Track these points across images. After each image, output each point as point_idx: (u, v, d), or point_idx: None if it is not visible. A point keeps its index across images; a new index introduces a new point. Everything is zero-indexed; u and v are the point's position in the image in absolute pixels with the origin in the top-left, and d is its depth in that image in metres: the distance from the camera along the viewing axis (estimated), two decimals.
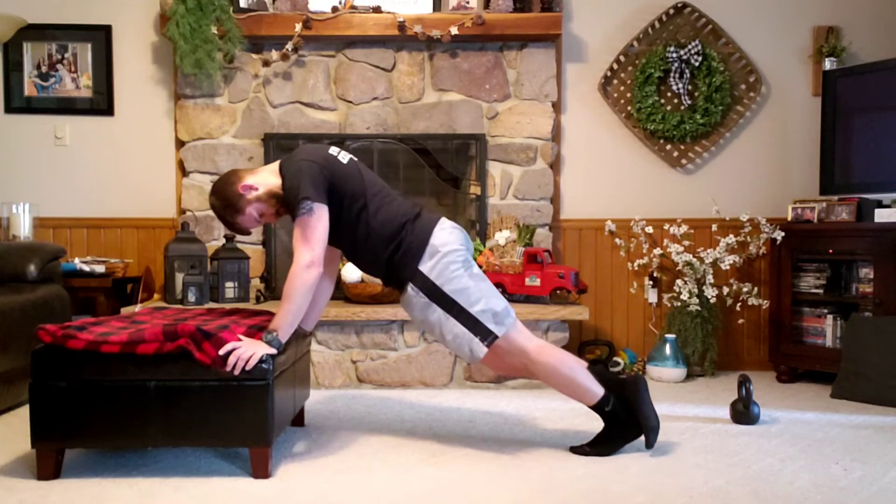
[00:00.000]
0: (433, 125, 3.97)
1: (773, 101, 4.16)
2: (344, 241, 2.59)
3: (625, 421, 2.54)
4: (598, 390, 2.52)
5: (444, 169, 4.02)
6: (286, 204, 2.49)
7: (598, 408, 2.54)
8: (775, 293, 3.88)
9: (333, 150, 2.59)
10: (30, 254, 3.41)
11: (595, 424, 2.90)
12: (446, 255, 2.49)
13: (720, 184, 4.15)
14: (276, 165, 2.57)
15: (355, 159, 2.63)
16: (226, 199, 2.52)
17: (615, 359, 3.91)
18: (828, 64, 3.94)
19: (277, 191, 2.51)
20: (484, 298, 2.49)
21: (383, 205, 2.55)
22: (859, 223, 3.61)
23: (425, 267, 2.49)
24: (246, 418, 2.27)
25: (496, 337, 2.48)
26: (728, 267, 3.89)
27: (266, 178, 2.54)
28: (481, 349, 2.47)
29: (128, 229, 4.11)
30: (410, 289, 2.51)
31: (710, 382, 3.80)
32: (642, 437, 2.56)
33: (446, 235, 2.54)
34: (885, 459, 2.53)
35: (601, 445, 2.55)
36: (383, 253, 2.54)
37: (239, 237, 3.76)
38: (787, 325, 3.81)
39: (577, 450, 2.57)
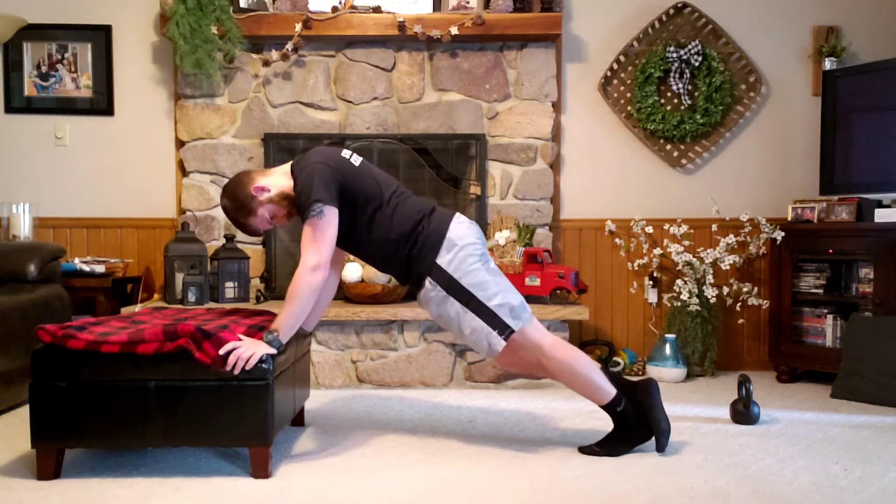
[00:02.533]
0: (433, 125, 3.97)
1: (773, 101, 4.16)
2: (359, 244, 2.59)
3: (635, 423, 2.54)
4: (611, 390, 2.53)
5: (444, 169, 4.02)
6: (297, 206, 2.49)
7: (609, 408, 2.55)
8: (775, 293, 3.88)
9: (346, 153, 2.59)
10: (30, 254, 3.41)
11: (595, 424, 2.91)
12: (463, 248, 2.50)
13: (720, 184, 4.15)
14: (287, 167, 2.57)
15: (366, 162, 2.63)
16: (238, 200, 2.52)
17: (615, 359, 3.92)
18: (828, 64, 3.94)
19: (289, 192, 2.51)
20: (501, 292, 2.49)
21: (399, 203, 2.56)
22: (859, 223, 3.61)
23: (443, 260, 2.49)
24: (246, 418, 2.27)
25: (513, 331, 2.48)
26: (728, 267, 3.89)
27: (278, 180, 2.54)
28: (499, 342, 2.47)
29: (128, 229, 4.11)
30: (428, 283, 2.50)
31: (710, 382, 3.80)
32: (653, 440, 2.56)
33: (463, 229, 2.54)
34: (885, 459, 2.53)
35: (611, 445, 2.55)
36: (401, 250, 2.54)
37: (239, 237, 3.76)
38: (787, 325, 3.81)
39: (586, 450, 2.57)
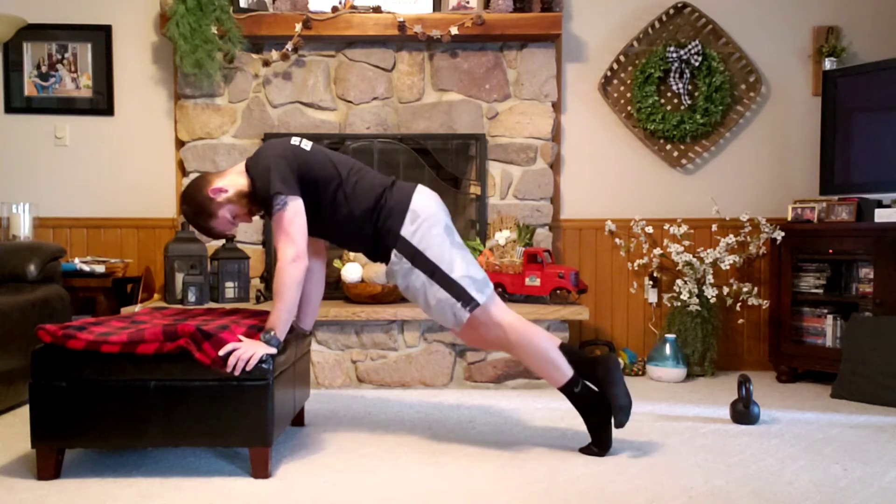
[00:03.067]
0: (433, 125, 3.97)
1: (773, 101, 4.16)
2: (326, 226, 2.60)
3: (596, 403, 2.53)
4: (568, 371, 2.53)
5: (444, 169, 4.02)
6: (260, 202, 2.50)
7: (566, 389, 2.55)
8: (775, 293, 3.88)
9: (295, 140, 2.59)
10: (30, 254, 3.41)
11: None
12: (427, 219, 2.51)
13: (720, 184, 4.15)
14: (242, 166, 2.58)
15: (317, 145, 2.63)
16: (197, 204, 2.52)
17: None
18: (828, 64, 3.94)
19: (247, 190, 2.52)
20: (465, 265, 2.51)
21: (359, 179, 2.57)
22: (859, 223, 3.61)
23: (407, 231, 2.50)
24: (246, 418, 2.27)
25: (478, 304, 2.49)
26: (728, 267, 3.89)
27: (234, 180, 2.54)
28: (464, 314, 2.49)
29: (128, 229, 4.11)
30: (394, 255, 2.52)
31: (710, 382, 3.80)
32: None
33: (426, 199, 2.56)
34: (885, 459, 2.53)
35: (596, 438, 2.55)
36: (367, 226, 2.55)
37: (239, 237, 3.76)
38: (787, 325, 3.81)
39: (586, 450, 2.56)
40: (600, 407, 2.53)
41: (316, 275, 2.72)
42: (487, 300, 2.52)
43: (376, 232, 2.55)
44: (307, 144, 2.59)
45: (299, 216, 2.44)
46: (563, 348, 2.57)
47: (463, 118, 3.98)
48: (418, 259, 2.49)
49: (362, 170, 2.61)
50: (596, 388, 2.54)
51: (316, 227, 2.58)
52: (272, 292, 3.64)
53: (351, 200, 2.54)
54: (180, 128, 3.97)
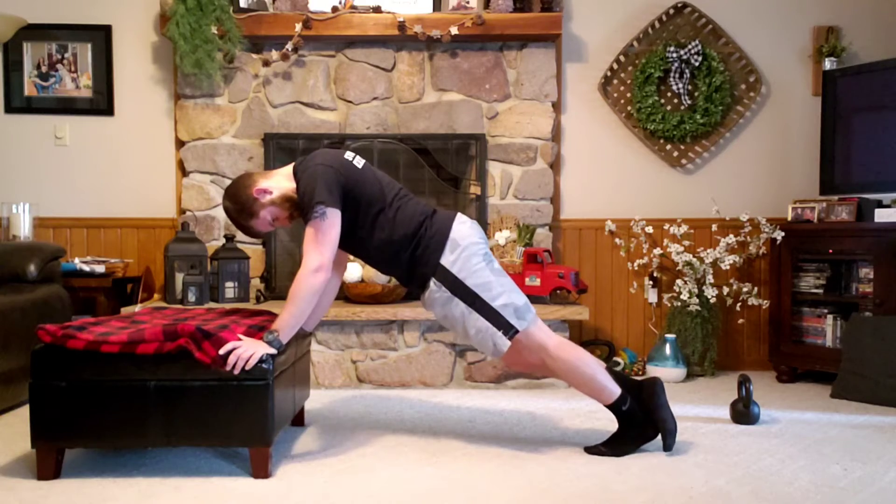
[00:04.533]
0: (433, 125, 3.97)
1: (773, 101, 4.16)
2: (361, 246, 2.59)
3: (641, 422, 2.54)
4: (616, 389, 2.53)
5: (444, 169, 4.02)
6: (300, 208, 2.48)
7: (614, 407, 2.55)
8: (775, 293, 3.88)
9: (349, 155, 2.58)
10: (30, 254, 3.40)
11: (595, 424, 2.91)
12: (467, 248, 2.50)
13: (720, 184, 4.15)
14: (290, 169, 2.57)
15: (369, 164, 2.63)
16: (240, 202, 2.52)
17: (615, 359, 3.92)
18: (828, 64, 3.94)
19: (292, 195, 2.50)
20: (506, 293, 2.49)
21: (401, 206, 2.56)
22: (859, 223, 3.61)
23: (447, 261, 2.49)
24: (246, 418, 2.27)
25: (517, 331, 2.48)
26: (728, 267, 3.89)
27: (280, 182, 2.53)
28: (504, 343, 2.48)
29: (128, 229, 4.11)
30: (433, 283, 2.50)
31: (710, 382, 3.80)
32: (658, 439, 2.56)
33: (466, 229, 2.54)
34: (885, 459, 2.53)
35: (617, 445, 2.55)
36: (404, 252, 2.54)
37: (239, 237, 3.76)
38: (787, 325, 3.81)
39: (593, 450, 2.57)
40: (644, 426, 2.54)
41: (331, 284, 2.71)
42: (529, 324, 2.51)
43: (413, 260, 2.54)
44: (360, 162, 2.59)
45: (335, 229, 2.43)
46: (608, 370, 2.57)
47: (463, 118, 3.98)
48: (458, 288, 2.48)
49: (406, 196, 2.60)
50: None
51: (349, 245, 2.58)
52: (273, 292, 3.62)
53: (391, 225, 2.53)
54: (180, 128, 3.97)
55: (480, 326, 2.48)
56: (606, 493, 2.19)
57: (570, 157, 4.15)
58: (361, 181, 2.52)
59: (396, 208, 2.54)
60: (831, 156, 3.80)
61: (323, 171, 2.45)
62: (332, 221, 2.42)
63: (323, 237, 2.41)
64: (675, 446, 2.60)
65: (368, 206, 2.52)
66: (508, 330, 2.47)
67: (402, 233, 2.52)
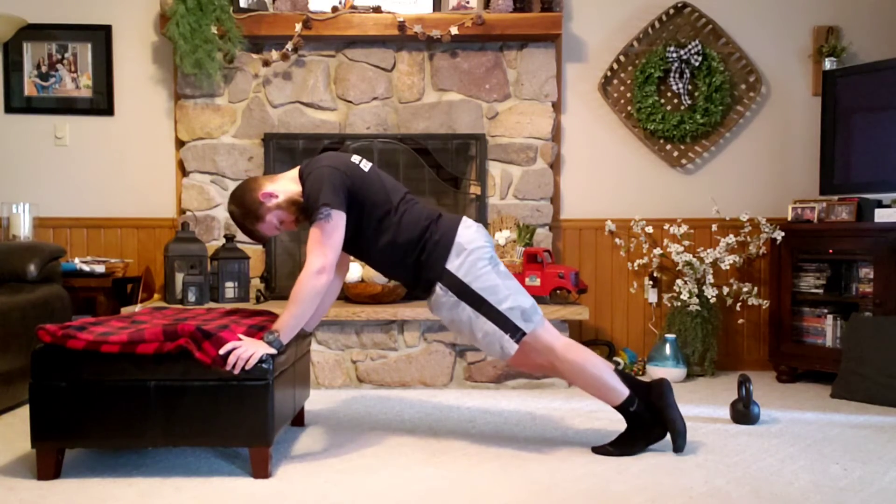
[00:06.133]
0: (433, 125, 3.97)
1: (773, 101, 4.16)
2: (365, 249, 2.59)
3: (649, 423, 2.54)
4: (624, 390, 2.53)
5: (444, 169, 4.02)
6: (305, 209, 2.48)
7: (622, 408, 2.55)
8: (775, 293, 3.88)
9: (356, 159, 2.58)
10: (30, 254, 3.41)
11: (595, 425, 2.91)
12: (473, 252, 2.49)
13: (720, 184, 4.15)
14: (295, 172, 2.57)
15: (375, 168, 2.62)
16: (246, 206, 2.52)
17: (615, 359, 3.92)
18: (828, 64, 3.94)
19: (297, 198, 2.51)
20: (512, 296, 2.49)
21: (407, 210, 2.55)
22: (859, 223, 3.61)
23: (453, 265, 2.48)
24: (246, 418, 2.27)
25: (525, 333, 2.48)
26: (728, 267, 3.89)
27: (286, 186, 2.53)
28: (512, 346, 2.48)
29: (128, 229, 4.11)
30: (439, 288, 2.50)
31: (710, 382, 3.80)
32: (668, 440, 2.56)
33: (472, 233, 2.54)
34: (885, 459, 2.53)
35: (624, 445, 2.55)
36: (409, 256, 2.53)
37: (239, 237, 3.76)
38: (787, 325, 3.81)
39: (600, 449, 2.56)
40: (652, 427, 2.54)
41: (333, 285, 2.71)
42: (537, 326, 2.51)
43: (419, 264, 2.54)
44: (366, 165, 2.58)
45: (338, 231, 2.43)
46: (616, 372, 2.57)
47: (463, 118, 3.98)
48: (465, 292, 2.47)
49: (411, 200, 2.60)
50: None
51: (353, 248, 2.58)
52: (273, 292, 3.62)
53: (396, 229, 2.52)
54: (180, 128, 3.97)
55: (488, 330, 2.47)
56: (606, 493, 2.19)
57: (570, 157, 4.15)
58: (367, 184, 2.52)
59: (402, 212, 2.54)
60: (831, 156, 3.80)
61: (329, 174, 2.45)
62: (336, 223, 2.42)
63: (327, 239, 2.40)
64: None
65: (373, 210, 2.52)
66: (516, 333, 2.47)
67: (406, 237, 2.52)
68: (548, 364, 2.58)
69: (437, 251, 2.50)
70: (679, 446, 2.54)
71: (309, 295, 2.39)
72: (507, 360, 2.54)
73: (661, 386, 2.54)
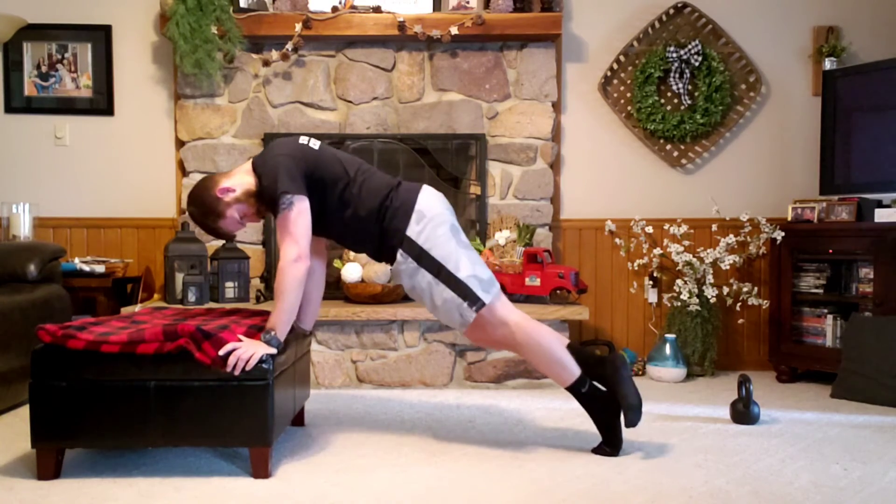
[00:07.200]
0: (433, 125, 3.97)
1: (773, 101, 4.16)
2: (332, 226, 2.59)
3: (604, 401, 2.53)
4: (576, 371, 2.52)
5: (444, 169, 4.02)
6: (266, 201, 2.49)
7: (573, 389, 2.54)
8: (775, 293, 3.88)
9: (304, 139, 2.60)
10: (30, 254, 3.41)
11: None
12: (433, 218, 2.51)
13: (720, 184, 4.15)
14: (248, 165, 2.58)
15: (325, 144, 2.63)
16: (205, 205, 2.52)
17: None
18: (828, 64, 3.94)
19: (254, 189, 2.52)
20: (470, 264, 2.50)
21: (365, 179, 2.57)
22: (859, 223, 3.61)
23: (412, 231, 2.50)
24: (246, 418, 2.27)
25: (484, 303, 2.48)
26: (728, 267, 3.89)
27: (241, 179, 2.54)
28: (470, 314, 2.48)
29: (128, 229, 4.11)
30: (399, 255, 2.51)
31: (710, 382, 3.80)
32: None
33: (432, 200, 2.55)
34: (885, 459, 2.53)
35: (607, 438, 2.54)
36: (372, 226, 2.55)
37: (239, 237, 3.76)
38: (787, 325, 3.81)
39: (598, 450, 2.56)
40: (609, 406, 2.53)
41: (316, 274, 2.72)
42: (493, 299, 2.52)
43: (382, 232, 2.55)
44: (315, 144, 2.60)
45: (304, 216, 2.44)
46: (570, 348, 2.56)
47: (463, 118, 3.98)
48: (424, 259, 2.49)
49: (369, 170, 2.61)
50: (604, 388, 2.53)
51: (321, 227, 2.58)
52: (273, 292, 3.64)
53: (357, 200, 2.54)
54: (180, 128, 3.97)
55: (446, 297, 2.48)
56: (606, 493, 2.19)
57: (570, 157, 4.15)
58: (321, 162, 2.53)
59: (360, 182, 2.55)
60: (831, 156, 3.80)
61: (283, 161, 2.46)
62: (300, 209, 2.43)
63: (294, 227, 2.42)
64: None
65: (333, 185, 2.53)
66: (475, 302, 2.48)
67: (368, 206, 2.53)
68: (503, 338, 2.57)
69: (397, 217, 2.52)
70: (630, 420, 2.47)
71: (291, 285, 2.40)
72: (466, 332, 2.56)
73: (615, 360, 2.51)
